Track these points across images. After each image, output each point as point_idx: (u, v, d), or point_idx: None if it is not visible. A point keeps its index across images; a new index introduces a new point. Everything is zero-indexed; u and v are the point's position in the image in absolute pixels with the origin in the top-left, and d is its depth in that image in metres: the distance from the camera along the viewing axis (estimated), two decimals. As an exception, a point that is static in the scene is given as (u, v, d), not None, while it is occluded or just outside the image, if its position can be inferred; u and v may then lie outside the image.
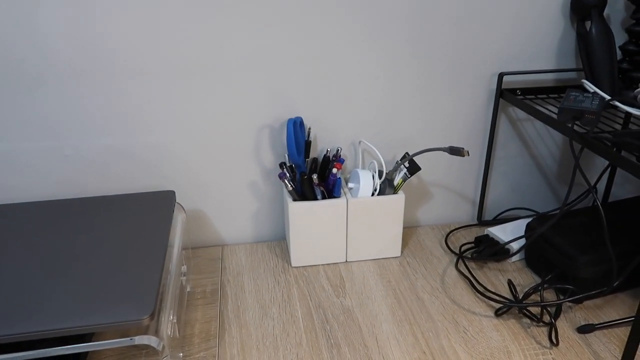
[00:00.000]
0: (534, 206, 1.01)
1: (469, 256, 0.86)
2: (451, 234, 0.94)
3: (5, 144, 0.78)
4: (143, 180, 0.84)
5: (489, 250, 0.86)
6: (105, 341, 0.54)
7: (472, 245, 0.89)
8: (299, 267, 0.85)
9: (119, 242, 0.65)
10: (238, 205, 0.90)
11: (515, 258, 0.86)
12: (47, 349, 0.54)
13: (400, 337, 0.70)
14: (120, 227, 0.69)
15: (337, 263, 0.86)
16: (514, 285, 0.77)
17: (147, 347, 0.66)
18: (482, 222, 0.98)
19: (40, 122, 0.77)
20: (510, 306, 0.73)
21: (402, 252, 0.88)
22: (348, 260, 0.86)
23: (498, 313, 0.73)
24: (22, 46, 0.72)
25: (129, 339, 0.54)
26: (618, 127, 0.78)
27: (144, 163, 0.83)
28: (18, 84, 0.74)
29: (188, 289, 0.79)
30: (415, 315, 0.74)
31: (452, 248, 0.90)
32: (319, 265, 0.85)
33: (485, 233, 0.90)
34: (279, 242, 0.92)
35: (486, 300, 0.77)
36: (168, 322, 0.59)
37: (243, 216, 0.91)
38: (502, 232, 0.88)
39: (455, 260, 0.86)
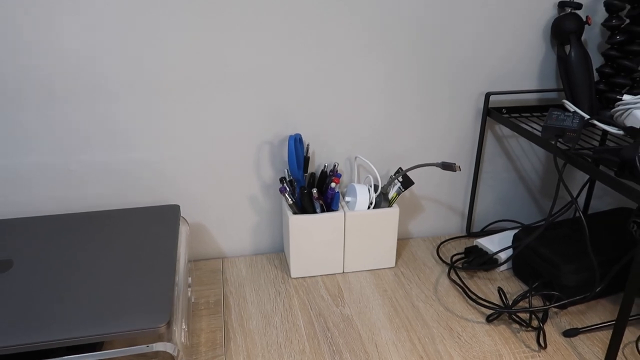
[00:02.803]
0: (519, 218, 1.06)
1: (460, 266, 0.90)
2: (442, 245, 0.98)
3: (14, 159, 0.80)
4: (146, 194, 0.87)
5: (478, 260, 0.90)
6: (123, 348, 0.57)
7: (463, 255, 0.93)
8: (298, 277, 0.88)
9: (129, 254, 0.68)
10: (238, 219, 0.93)
11: (503, 267, 0.91)
12: (66, 357, 0.56)
13: (398, 343, 0.73)
14: (129, 240, 0.71)
15: (335, 274, 0.89)
16: (504, 292, 0.81)
17: (156, 354, 0.68)
18: (470, 234, 1.03)
19: (47, 138, 0.80)
20: (501, 312, 0.77)
21: (396, 262, 0.92)
22: (345, 271, 0.90)
23: (489, 319, 0.78)
24: (27, 65, 0.75)
25: (145, 346, 0.57)
26: (595, 143, 0.84)
27: (147, 178, 0.86)
28: (25, 101, 0.77)
29: (192, 300, 0.82)
30: (411, 322, 0.78)
31: (443, 258, 0.94)
32: (317, 276, 0.88)
33: (474, 244, 0.95)
34: (277, 254, 0.96)
35: (478, 307, 0.81)
36: (181, 330, 0.61)
37: (243, 229, 0.94)
38: (490, 243, 0.93)
39: (447, 270, 0.90)
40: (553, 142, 0.74)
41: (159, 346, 0.57)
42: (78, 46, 0.75)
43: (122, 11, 0.74)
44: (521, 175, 1.02)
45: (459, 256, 0.93)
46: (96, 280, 0.63)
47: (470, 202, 1.01)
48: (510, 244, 0.89)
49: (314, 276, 0.88)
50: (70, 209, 0.85)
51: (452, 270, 0.90)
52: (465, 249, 0.94)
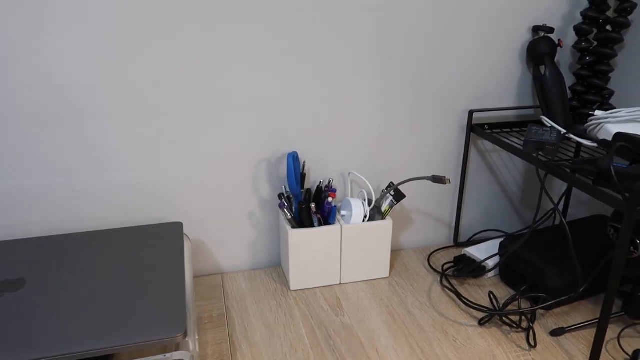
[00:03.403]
0: (502, 227, 1.12)
1: (451, 274, 0.95)
2: (432, 255, 1.03)
3: (21, 181, 0.81)
4: (146, 213, 0.89)
5: (467, 268, 0.95)
6: (143, 358, 0.59)
7: (452, 264, 0.98)
8: (297, 290, 0.91)
9: (138, 269, 0.70)
10: (236, 235, 0.96)
11: (491, 274, 0.96)
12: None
13: (398, 348, 0.77)
14: (137, 256, 0.74)
15: (332, 285, 0.93)
16: (495, 297, 0.86)
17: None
18: (458, 244, 1.08)
19: (51, 160, 0.82)
20: (493, 315, 0.82)
21: (390, 273, 0.96)
22: (342, 282, 0.93)
23: (481, 322, 0.82)
24: (34, 90, 0.77)
25: (162, 355, 0.59)
26: (570, 155, 0.90)
27: (148, 196, 0.88)
28: (30, 124, 0.79)
29: (196, 314, 0.84)
30: (408, 328, 0.81)
31: (434, 267, 0.99)
32: (315, 287, 0.92)
33: (463, 253, 0.99)
34: (275, 268, 0.99)
35: (470, 311, 0.85)
36: (195, 340, 0.64)
37: (241, 245, 0.97)
38: (477, 252, 0.98)
39: (438, 278, 0.95)
40: (535, 155, 0.80)
41: (176, 355, 0.59)
42: (91, 71, 0.78)
43: (121, 31, 0.78)
44: (503, 187, 1.08)
45: (449, 265, 0.98)
46: (109, 295, 0.65)
47: (457, 214, 1.06)
48: (496, 251, 0.94)
49: (312, 288, 0.92)
50: (72, 228, 0.86)
51: (443, 278, 0.94)
52: (455, 258, 0.99)
